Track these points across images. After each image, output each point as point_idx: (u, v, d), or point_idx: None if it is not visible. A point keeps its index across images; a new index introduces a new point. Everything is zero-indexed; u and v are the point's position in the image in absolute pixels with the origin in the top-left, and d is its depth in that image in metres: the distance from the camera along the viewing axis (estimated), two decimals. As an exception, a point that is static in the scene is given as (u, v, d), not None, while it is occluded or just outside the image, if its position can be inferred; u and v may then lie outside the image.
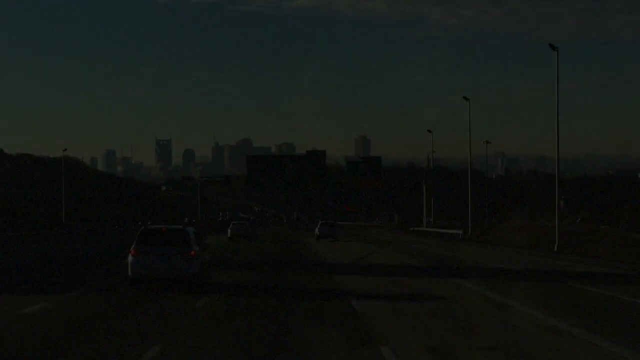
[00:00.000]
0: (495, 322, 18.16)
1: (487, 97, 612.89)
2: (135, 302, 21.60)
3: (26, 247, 38.11)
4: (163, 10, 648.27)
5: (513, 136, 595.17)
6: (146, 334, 16.05)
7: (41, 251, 39.02)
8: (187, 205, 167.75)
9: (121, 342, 15.07)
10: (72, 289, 24.92)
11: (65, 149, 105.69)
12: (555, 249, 52.44)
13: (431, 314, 19.12)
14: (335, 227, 76.97)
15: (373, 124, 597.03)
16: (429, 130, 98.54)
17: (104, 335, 15.88)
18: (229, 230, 75.92)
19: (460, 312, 19.81)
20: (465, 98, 79.88)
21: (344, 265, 38.27)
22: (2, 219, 78.79)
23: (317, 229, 74.54)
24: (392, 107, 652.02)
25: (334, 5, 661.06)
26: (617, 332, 16.63)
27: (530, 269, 36.04)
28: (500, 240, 67.28)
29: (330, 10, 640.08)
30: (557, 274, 34.09)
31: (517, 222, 77.14)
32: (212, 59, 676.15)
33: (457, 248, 57.29)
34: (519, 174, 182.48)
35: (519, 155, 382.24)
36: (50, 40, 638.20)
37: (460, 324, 17.53)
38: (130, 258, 24.21)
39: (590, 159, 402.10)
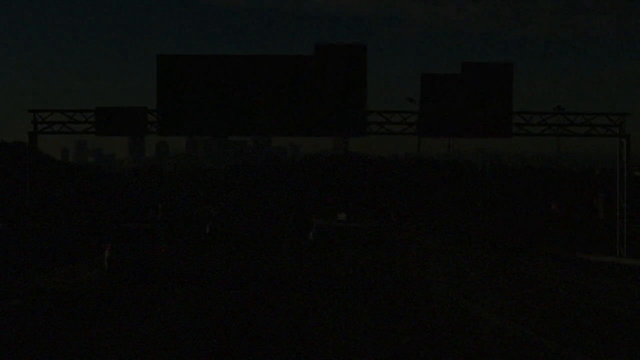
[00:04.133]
0: None
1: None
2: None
3: None
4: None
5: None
6: None
7: None
8: (147, 195, 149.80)
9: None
10: None
11: None
12: None
13: None
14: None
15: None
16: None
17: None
18: (207, 227, 71.21)
19: None
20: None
21: None
22: None
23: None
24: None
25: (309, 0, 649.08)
26: None
27: None
28: None
29: (306, 5, 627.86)
30: None
31: None
32: (185, 48, 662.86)
33: None
34: (512, 170, 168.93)
35: (498, 151, 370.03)
36: (26, 23, 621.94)
37: None
38: (106, 253, 27.63)
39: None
